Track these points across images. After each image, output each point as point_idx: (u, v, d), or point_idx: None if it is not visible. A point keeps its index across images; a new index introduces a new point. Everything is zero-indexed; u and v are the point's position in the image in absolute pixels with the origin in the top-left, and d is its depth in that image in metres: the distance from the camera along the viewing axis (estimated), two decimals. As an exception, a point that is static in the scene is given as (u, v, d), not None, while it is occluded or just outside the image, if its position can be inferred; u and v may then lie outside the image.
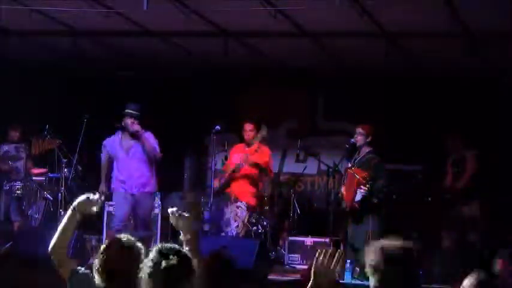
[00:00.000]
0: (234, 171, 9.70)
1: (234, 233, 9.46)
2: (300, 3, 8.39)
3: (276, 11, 8.66)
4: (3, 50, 11.00)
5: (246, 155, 9.63)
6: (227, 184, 9.86)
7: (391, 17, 8.80)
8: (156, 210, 11.48)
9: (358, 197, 8.66)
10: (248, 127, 9.90)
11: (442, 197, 9.87)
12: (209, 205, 9.89)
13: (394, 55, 10.17)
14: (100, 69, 12.26)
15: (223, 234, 9.51)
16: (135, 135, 9.06)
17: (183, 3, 8.69)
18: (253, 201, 9.74)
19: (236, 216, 9.47)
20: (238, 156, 9.90)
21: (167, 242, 3.63)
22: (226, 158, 10.90)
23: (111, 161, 9.33)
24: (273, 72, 11.84)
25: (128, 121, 9.08)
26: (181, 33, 10.15)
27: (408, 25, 9.12)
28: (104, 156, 9.39)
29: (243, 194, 9.68)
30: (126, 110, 9.11)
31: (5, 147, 10.69)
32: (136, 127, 9.05)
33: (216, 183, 9.96)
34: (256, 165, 9.67)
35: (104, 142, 9.39)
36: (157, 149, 9.19)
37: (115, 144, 9.26)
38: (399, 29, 9.35)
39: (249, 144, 9.85)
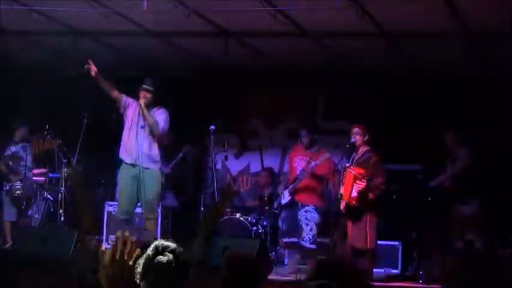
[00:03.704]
0: (295, 180, 9.60)
1: (310, 237, 9.39)
2: (300, 3, 8.40)
3: (276, 11, 8.66)
4: (3, 50, 11.00)
5: (308, 167, 9.48)
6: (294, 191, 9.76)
7: (391, 17, 8.81)
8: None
9: (354, 193, 8.68)
10: (303, 133, 9.78)
11: (439, 197, 9.90)
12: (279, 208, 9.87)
13: (394, 55, 10.18)
14: (100, 69, 12.25)
15: (298, 239, 9.48)
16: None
17: (183, 3, 8.70)
18: (319, 202, 9.64)
19: (307, 220, 9.45)
20: (299, 160, 9.76)
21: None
22: (226, 158, 10.90)
23: (118, 99, 9.10)
24: (273, 72, 11.84)
25: (140, 94, 8.98)
26: (181, 33, 10.16)
27: (408, 25, 9.12)
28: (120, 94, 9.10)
29: (307, 198, 9.60)
30: (142, 85, 9.02)
31: (13, 148, 10.70)
32: (142, 101, 8.91)
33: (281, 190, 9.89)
34: (317, 176, 9.58)
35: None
36: (161, 125, 8.99)
37: (134, 110, 9.07)
38: (399, 29, 9.35)
39: (307, 147, 9.75)
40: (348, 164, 9.05)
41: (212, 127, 9.81)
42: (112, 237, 10.54)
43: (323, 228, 9.83)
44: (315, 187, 9.56)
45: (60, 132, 10.45)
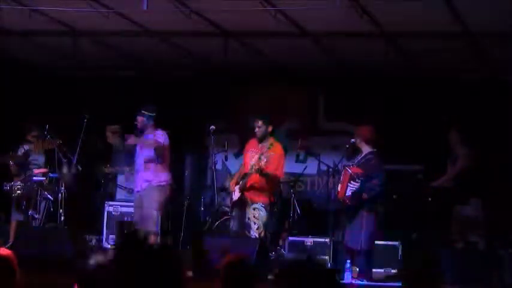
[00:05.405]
0: (245, 176, 9.48)
1: (256, 235, 9.24)
2: (300, 3, 8.40)
3: (276, 11, 8.67)
4: (3, 50, 11.00)
5: (260, 157, 9.31)
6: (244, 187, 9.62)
7: (391, 17, 8.81)
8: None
9: (348, 192, 8.67)
10: (257, 123, 9.64)
11: (440, 197, 9.90)
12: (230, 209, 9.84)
13: (394, 55, 10.18)
14: (100, 69, 12.27)
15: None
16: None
17: (183, 3, 8.71)
18: (268, 199, 9.42)
19: (254, 218, 9.32)
20: (252, 154, 9.61)
21: None
22: (226, 158, 10.89)
23: None
24: (273, 72, 11.84)
25: (138, 119, 9.36)
26: (181, 33, 10.16)
27: (408, 25, 9.12)
28: None
29: (257, 195, 9.49)
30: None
31: (26, 147, 10.74)
32: (139, 125, 9.36)
33: (232, 187, 9.84)
34: (265, 174, 9.39)
35: None
36: (159, 141, 9.34)
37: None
38: (399, 29, 9.35)
39: (261, 140, 9.58)
40: (349, 164, 9.04)
41: (212, 127, 9.80)
42: (112, 237, 10.55)
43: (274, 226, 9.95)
44: (264, 184, 9.32)
45: (60, 132, 10.44)
